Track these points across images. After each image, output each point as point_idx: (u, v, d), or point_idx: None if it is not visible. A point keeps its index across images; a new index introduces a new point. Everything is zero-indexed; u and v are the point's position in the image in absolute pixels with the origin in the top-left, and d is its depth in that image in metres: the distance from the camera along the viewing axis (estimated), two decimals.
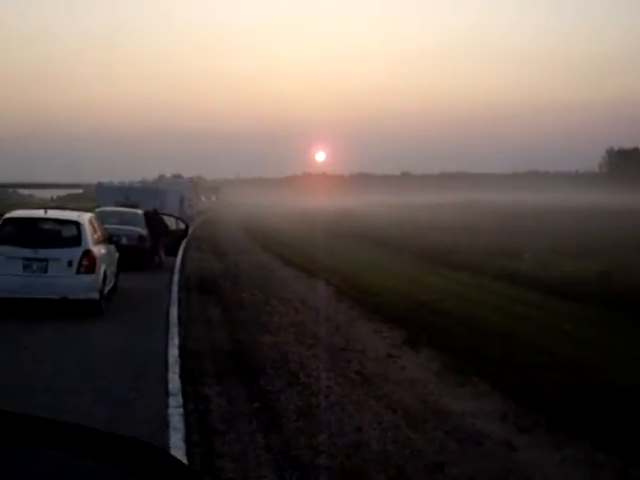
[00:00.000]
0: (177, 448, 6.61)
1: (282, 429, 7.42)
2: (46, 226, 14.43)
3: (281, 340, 11.70)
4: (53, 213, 14.85)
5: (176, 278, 19.97)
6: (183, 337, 11.63)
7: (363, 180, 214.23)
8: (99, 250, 14.16)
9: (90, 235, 13.94)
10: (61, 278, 13.26)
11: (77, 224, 13.94)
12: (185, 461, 6.10)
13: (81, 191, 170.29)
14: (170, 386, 8.74)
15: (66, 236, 13.98)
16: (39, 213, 14.82)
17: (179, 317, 13.56)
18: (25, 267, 13.28)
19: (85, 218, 14.59)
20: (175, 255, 24.27)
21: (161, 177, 74.93)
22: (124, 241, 19.21)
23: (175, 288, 17.90)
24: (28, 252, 13.31)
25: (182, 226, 24.75)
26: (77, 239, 13.62)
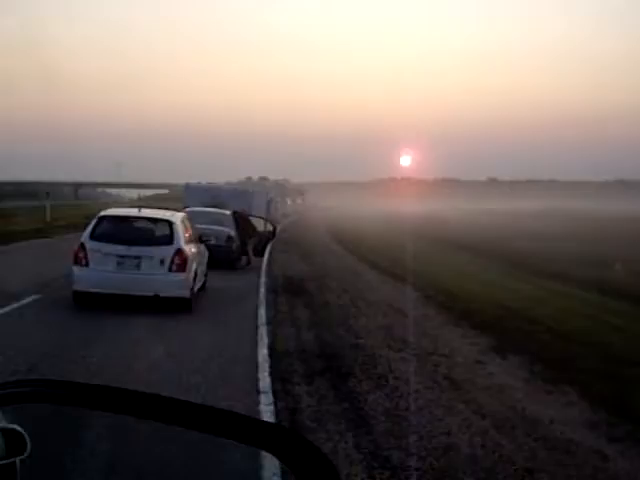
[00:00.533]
0: None
1: (371, 429, 7.41)
2: (140, 224, 14.76)
3: (369, 343, 11.69)
4: (147, 212, 15.16)
5: (263, 279, 20.17)
6: (272, 337, 11.74)
7: (448, 185, 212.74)
8: (190, 249, 14.42)
9: (182, 234, 14.21)
10: (153, 275, 13.55)
11: (170, 223, 14.23)
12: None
13: (167, 191, 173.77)
14: (260, 384, 8.83)
15: (159, 235, 14.29)
16: (133, 212, 15.17)
17: (267, 317, 13.69)
18: (119, 264, 13.61)
19: (177, 217, 14.88)
20: (262, 256, 24.50)
21: (248, 179, 75.90)
22: (213, 241, 19.46)
23: (262, 289, 18.08)
24: (122, 249, 13.64)
25: (270, 228, 24.98)
26: (170, 238, 13.90)
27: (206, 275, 16.56)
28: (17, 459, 2.38)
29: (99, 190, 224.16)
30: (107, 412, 1.97)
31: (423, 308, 15.89)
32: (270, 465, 6.12)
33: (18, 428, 2.43)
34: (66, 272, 14.75)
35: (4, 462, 2.36)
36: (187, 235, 14.71)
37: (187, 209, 20.08)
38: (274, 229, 24.96)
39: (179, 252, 13.72)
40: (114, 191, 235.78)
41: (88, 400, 1.99)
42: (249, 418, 1.81)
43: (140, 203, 34.18)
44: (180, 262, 13.64)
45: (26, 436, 2.42)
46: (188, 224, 15.53)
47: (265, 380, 9.02)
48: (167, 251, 13.69)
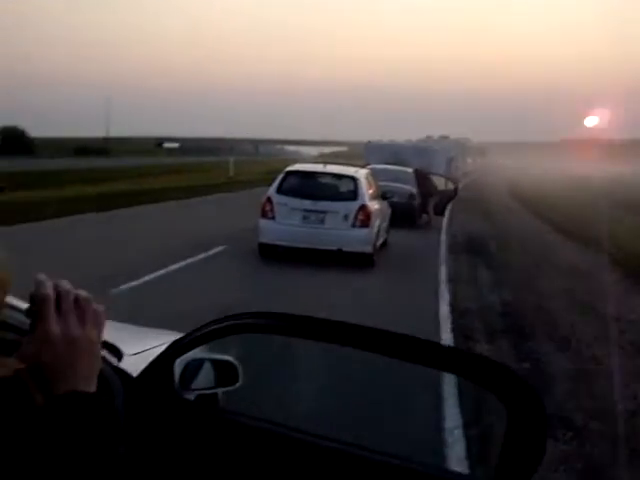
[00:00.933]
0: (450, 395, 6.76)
1: (553, 390, 7.33)
2: (325, 180, 15.08)
3: (552, 305, 11.49)
4: (332, 168, 15.46)
5: (444, 237, 20.15)
6: (453, 295, 11.78)
7: (637, 146, 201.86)
8: (373, 205, 14.63)
9: (366, 190, 14.44)
10: (337, 230, 13.87)
11: (354, 179, 14.47)
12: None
13: (345, 149, 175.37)
14: (442, 338, 8.91)
15: (344, 190, 14.57)
16: (319, 167, 15.52)
17: (448, 275, 13.71)
18: (304, 218, 14.02)
19: (362, 174, 15.11)
20: (443, 215, 24.42)
21: (428, 137, 74.95)
22: (395, 198, 19.56)
23: (443, 247, 18.10)
24: (308, 204, 14.03)
25: (451, 186, 24.79)
26: (354, 194, 14.16)
27: (388, 232, 16.75)
28: (222, 390, 2.61)
29: (278, 147, 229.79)
30: (316, 341, 2.14)
31: (610, 274, 15.35)
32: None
33: (231, 359, 2.66)
34: (250, 226, 15.35)
35: (212, 391, 2.59)
36: (371, 191, 14.93)
37: (369, 166, 20.23)
38: (456, 188, 24.75)
39: (363, 208, 13.96)
40: (292, 148, 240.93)
41: (298, 330, 2.16)
42: (458, 350, 1.92)
43: (322, 160, 34.81)
44: (364, 218, 13.87)
45: (239, 368, 2.65)
46: (372, 181, 15.74)
47: (446, 336, 9.10)
48: (351, 207, 13.96)
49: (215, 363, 2.66)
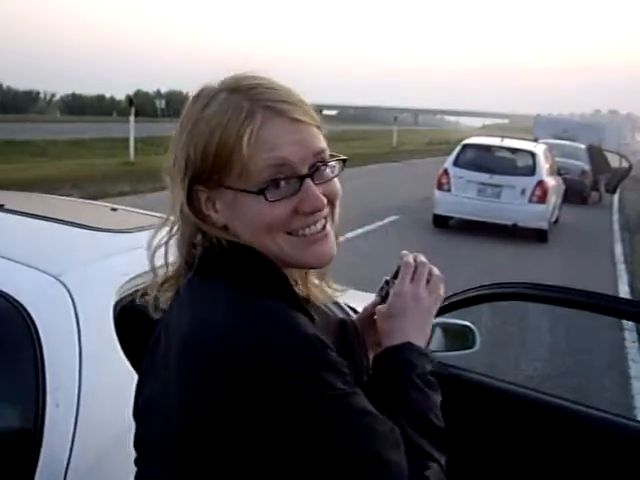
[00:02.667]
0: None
1: None
2: (502, 154, 15.03)
3: None
4: (509, 142, 15.43)
5: (616, 216, 19.72)
6: (631, 274, 11.65)
7: None
8: (550, 181, 14.55)
9: (544, 166, 14.38)
10: (513, 205, 13.89)
11: (532, 154, 14.44)
12: None
13: (507, 121, 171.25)
14: (624, 322, 8.90)
15: (521, 165, 14.56)
16: (496, 141, 15.51)
17: (624, 255, 13.54)
18: (480, 191, 14.12)
19: (540, 149, 15.05)
20: (614, 193, 23.80)
21: (597, 112, 72.48)
22: (567, 175, 19.27)
23: (616, 227, 17.76)
24: (484, 177, 14.11)
25: (625, 164, 24.10)
26: (532, 169, 14.13)
27: (560, 209, 16.61)
28: (461, 352, 2.93)
29: (437, 117, 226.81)
30: (561, 306, 2.42)
31: None
32: None
33: (470, 324, 3.01)
34: (420, 196, 15.52)
35: (452, 354, 2.91)
36: (548, 167, 14.84)
37: (542, 141, 20.00)
38: (630, 166, 24.05)
39: (541, 183, 13.92)
40: (453, 118, 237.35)
41: (547, 298, 2.46)
42: None
43: (485, 132, 34.33)
44: (541, 193, 13.85)
45: (476, 332, 2.99)
46: (549, 156, 15.64)
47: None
48: (529, 182, 13.94)
49: (451, 328, 2.97)
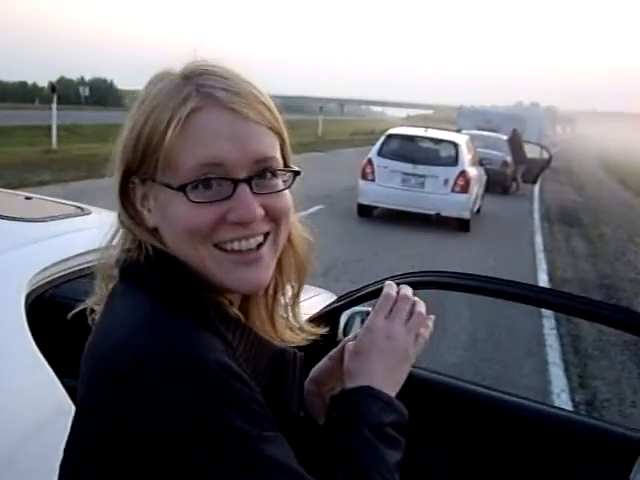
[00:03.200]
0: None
1: None
2: (426, 144, 15.16)
3: None
4: (433, 132, 15.57)
5: (536, 206, 20.15)
6: (551, 264, 11.92)
7: None
8: (473, 172, 14.77)
9: (466, 156, 14.59)
10: (436, 195, 14.05)
11: (455, 145, 14.62)
12: None
13: (431, 112, 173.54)
14: (543, 310, 9.08)
15: (444, 155, 14.71)
16: (420, 131, 15.64)
17: (544, 244, 13.84)
18: (404, 181, 14.25)
19: (463, 139, 15.25)
20: (535, 183, 24.29)
21: (518, 104, 73.92)
22: (488, 165, 19.55)
23: (537, 216, 18.14)
24: (408, 167, 14.24)
25: (546, 155, 24.58)
26: (455, 159, 14.32)
27: (482, 198, 16.87)
28: None
29: (363, 107, 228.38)
30: (481, 295, 2.44)
31: None
32: None
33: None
34: (345, 186, 15.54)
35: None
36: (470, 157, 15.05)
37: (465, 132, 20.25)
38: (550, 157, 24.54)
39: (463, 173, 14.11)
40: (378, 109, 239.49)
41: (477, 288, 2.47)
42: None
43: (409, 123, 34.67)
44: (463, 183, 14.04)
45: None
46: (471, 146, 15.87)
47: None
48: (451, 172, 14.12)
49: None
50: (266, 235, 1.11)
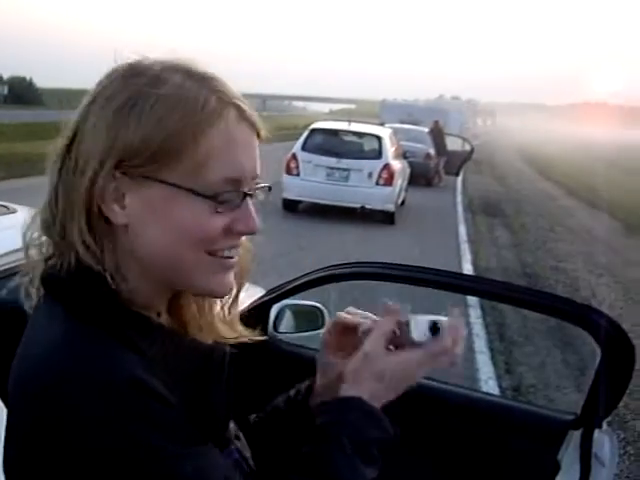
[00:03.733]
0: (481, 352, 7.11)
1: (577, 350, 7.64)
2: (349, 138, 15.25)
3: (569, 267, 11.79)
4: (356, 126, 15.62)
5: (459, 198, 20.43)
6: (474, 254, 12.09)
7: None
8: (396, 164, 14.88)
9: (390, 149, 14.68)
10: (361, 188, 14.12)
11: (379, 138, 14.71)
12: None
13: (354, 106, 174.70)
14: (469, 299, 9.18)
15: (368, 149, 14.80)
16: (343, 125, 15.68)
17: (468, 235, 14.03)
18: (328, 175, 14.28)
19: (386, 133, 15.35)
20: (458, 175, 24.62)
21: (440, 97, 74.85)
22: (412, 158, 19.71)
23: (460, 208, 18.40)
24: (332, 161, 14.27)
25: (467, 147, 24.93)
26: (378, 152, 14.41)
27: (406, 191, 17.02)
28: (310, 333, 2.91)
29: (286, 103, 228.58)
30: (415, 285, 2.42)
31: (625, 239, 15.64)
32: None
33: (320, 305, 2.99)
34: (269, 181, 15.36)
35: (302, 334, 2.89)
36: (394, 150, 15.16)
37: (387, 125, 20.40)
38: (472, 149, 24.91)
39: (387, 166, 14.21)
40: (301, 104, 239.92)
41: (399, 277, 2.47)
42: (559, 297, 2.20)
43: (332, 118, 34.86)
44: (387, 176, 14.13)
45: (326, 312, 2.97)
46: (395, 139, 15.98)
47: (473, 299, 9.39)
48: (375, 165, 14.20)
49: (301, 309, 2.96)
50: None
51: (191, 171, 1.03)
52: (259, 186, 1.14)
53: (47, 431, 0.93)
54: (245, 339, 1.30)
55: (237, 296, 1.27)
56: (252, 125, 1.09)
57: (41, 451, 0.94)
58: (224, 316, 1.27)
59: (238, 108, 1.07)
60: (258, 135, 1.11)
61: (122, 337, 1.01)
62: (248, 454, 1.24)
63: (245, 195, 1.09)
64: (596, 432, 1.96)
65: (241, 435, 1.26)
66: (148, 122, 1.02)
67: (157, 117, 1.02)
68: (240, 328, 1.30)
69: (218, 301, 1.25)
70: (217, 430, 1.10)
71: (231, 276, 1.13)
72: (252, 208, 1.10)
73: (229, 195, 1.05)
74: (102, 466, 0.91)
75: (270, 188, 1.19)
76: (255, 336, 1.31)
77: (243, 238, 1.14)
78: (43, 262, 1.09)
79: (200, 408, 1.06)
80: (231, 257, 1.11)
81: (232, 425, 1.23)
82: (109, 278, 1.04)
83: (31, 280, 1.11)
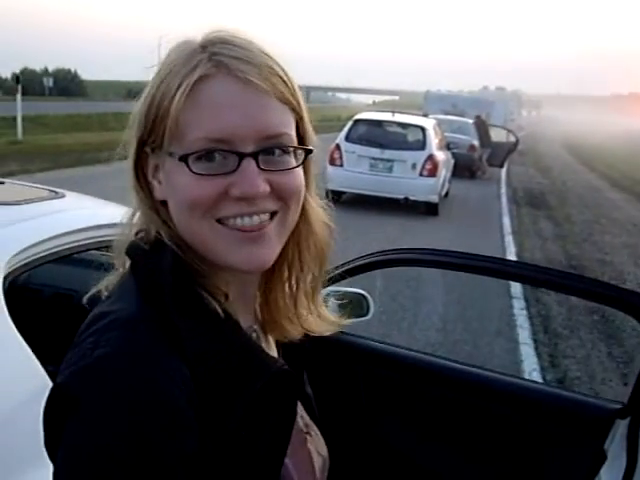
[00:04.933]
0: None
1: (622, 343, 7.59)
2: (393, 129, 15.21)
3: (616, 260, 11.68)
4: (400, 117, 15.59)
5: (504, 190, 20.29)
6: (519, 246, 12.02)
7: None
8: (440, 155, 14.81)
9: (434, 140, 14.62)
10: (405, 179, 14.08)
11: (423, 129, 14.65)
12: None
13: (397, 98, 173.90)
14: (512, 290, 9.16)
15: (412, 139, 14.75)
16: (387, 116, 15.64)
17: (512, 227, 13.94)
18: (372, 166, 14.26)
19: (430, 123, 15.28)
20: (502, 167, 24.44)
21: (485, 88, 74.30)
22: (456, 149, 19.62)
23: (504, 199, 18.26)
24: (376, 152, 14.24)
25: (512, 139, 24.73)
26: (422, 143, 14.35)
27: (450, 182, 16.95)
28: (355, 320, 2.94)
29: (329, 94, 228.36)
30: (454, 271, 2.44)
31: None
32: None
33: (364, 292, 3.01)
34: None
35: (354, 321, 2.91)
36: (438, 141, 15.10)
37: (431, 116, 20.31)
38: (517, 140, 24.70)
39: (431, 157, 14.16)
40: (344, 95, 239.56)
41: (439, 262, 2.49)
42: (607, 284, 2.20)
43: (376, 109, 34.77)
44: (431, 167, 14.08)
45: (370, 300, 3.00)
46: (439, 131, 15.91)
47: (517, 287, 9.36)
48: (419, 156, 14.15)
49: (346, 296, 2.98)
50: (273, 214, 1.04)
51: (172, 134, 1.00)
52: (288, 146, 1.04)
53: (57, 413, 0.91)
54: (334, 328, 1.26)
55: (316, 282, 1.21)
56: (247, 82, 0.99)
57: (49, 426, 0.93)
58: (308, 305, 1.22)
59: (221, 64, 1.00)
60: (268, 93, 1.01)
61: (171, 332, 0.96)
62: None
63: (242, 157, 0.99)
64: None
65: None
66: (148, 94, 1.04)
67: (152, 88, 1.03)
68: (329, 317, 1.25)
69: (302, 289, 1.20)
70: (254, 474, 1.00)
71: (258, 249, 1.03)
72: (252, 170, 0.99)
73: (215, 157, 0.99)
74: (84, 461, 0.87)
75: (310, 151, 1.09)
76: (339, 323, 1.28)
77: (269, 204, 1.04)
78: (134, 235, 1.09)
79: (238, 441, 0.98)
80: (245, 227, 1.02)
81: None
82: (179, 252, 1.03)
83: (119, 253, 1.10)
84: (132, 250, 1.06)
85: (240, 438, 0.97)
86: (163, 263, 1.01)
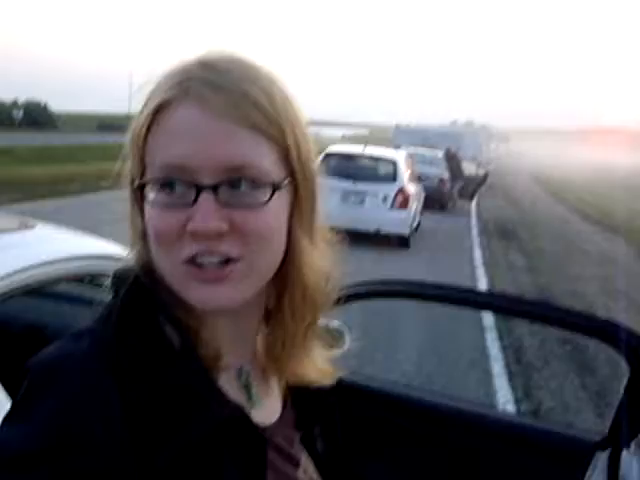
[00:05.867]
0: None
1: (595, 373, 7.59)
2: (364, 161, 15.23)
3: (588, 291, 11.74)
4: (371, 150, 15.64)
5: (474, 222, 20.41)
6: (490, 278, 12.05)
7: None
8: (411, 188, 14.88)
9: (405, 173, 14.69)
10: (376, 212, 14.10)
11: (394, 162, 14.72)
12: None
13: (366, 131, 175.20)
14: (484, 321, 9.15)
15: (383, 172, 14.79)
16: (358, 149, 15.71)
17: (483, 259, 14.00)
18: (343, 199, 14.24)
19: (401, 156, 15.36)
20: (472, 199, 24.62)
21: (453, 122, 74.90)
22: (426, 181, 19.66)
23: (474, 232, 18.37)
24: (347, 185, 14.25)
25: (482, 172, 24.98)
26: (393, 176, 14.41)
27: (421, 214, 17.00)
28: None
29: None
30: (428, 302, 2.42)
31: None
32: None
33: (340, 325, 2.97)
34: None
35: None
36: (409, 174, 15.17)
37: (402, 148, 20.43)
38: (486, 173, 24.96)
39: (402, 190, 14.21)
40: (313, 129, 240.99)
41: (412, 294, 2.46)
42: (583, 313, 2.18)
43: (346, 142, 34.96)
44: (402, 200, 14.13)
45: (346, 332, 2.95)
46: (410, 163, 16.00)
47: (489, 318, 9.37)
48: (390, 189, 14.20)
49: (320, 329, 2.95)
50: (236, 257, 0.92)
51: (146, 163, 0.94)
52: (251, 180, 0.92)
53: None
54: (329, 380, 1.17)
55: (306, 331, 1.09)
56: (210, 108, 0.90)
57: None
58: (300, 353, 1.12)
59: (188, 90, 0.91)
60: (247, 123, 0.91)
61: (127, 369, 0.90)
62: None
63: (200, 189, 0.90)
64: (624, 453, 1.92)
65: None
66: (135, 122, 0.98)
67: (138, 114, 0.97)
68: (320, 366, 1.16)
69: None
70: None
71: (216, 290, 0.92)
72: (209, 205, 0.89)
73: (176, 188, 0.91)
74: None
75: (277, 188, 0.94)
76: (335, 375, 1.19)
77: (232, 247, 0.92)
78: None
79: None
80: (204, 265, 0.91)
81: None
82: (148, 282, 0.97)
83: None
84: (115, 277, 1.01)
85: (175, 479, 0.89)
86: (127, 291, 0.96)
